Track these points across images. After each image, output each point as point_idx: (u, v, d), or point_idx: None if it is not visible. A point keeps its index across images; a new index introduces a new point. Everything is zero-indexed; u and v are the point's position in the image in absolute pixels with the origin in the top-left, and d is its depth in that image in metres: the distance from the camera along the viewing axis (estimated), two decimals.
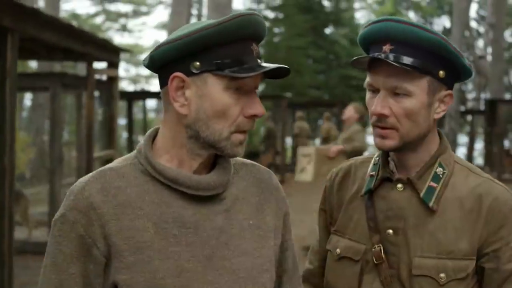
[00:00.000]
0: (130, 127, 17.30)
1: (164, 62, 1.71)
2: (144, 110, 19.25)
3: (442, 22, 36.32)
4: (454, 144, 18.24)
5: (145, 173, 1.74)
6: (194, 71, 1.69)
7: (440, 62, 1.95)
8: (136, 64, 39.81)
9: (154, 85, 42.69)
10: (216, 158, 1.81)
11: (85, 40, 6.42)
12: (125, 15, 37.20)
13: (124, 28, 37.48)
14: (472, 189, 1.97)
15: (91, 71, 6.69)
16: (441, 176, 1.99)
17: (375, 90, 1.95)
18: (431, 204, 1.95)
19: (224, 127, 1.73)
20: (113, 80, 7.58)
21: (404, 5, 34.54)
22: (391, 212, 1.99)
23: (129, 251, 1.67)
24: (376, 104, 1.92)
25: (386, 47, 1.93)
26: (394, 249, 1.97)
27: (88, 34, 6.65)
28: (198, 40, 1.68)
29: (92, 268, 1.68)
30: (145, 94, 18.30)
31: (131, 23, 41.14)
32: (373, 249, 2.00)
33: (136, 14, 37.73)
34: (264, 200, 1.88)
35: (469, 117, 29.76)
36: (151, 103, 25.38)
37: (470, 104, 34.70)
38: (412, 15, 35.52)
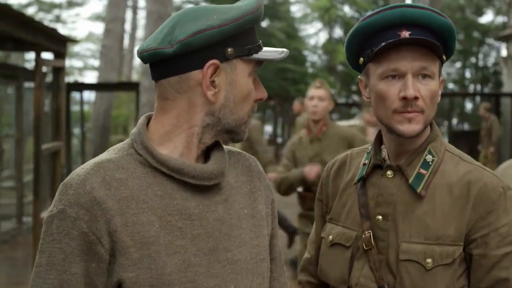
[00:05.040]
0: (67, 119, 17.00)
1: (201, 48, 1.66)
2: (81, 102, 18.92)
3: None
4: None
5: (145, 164, 1.68)
6: (228, 57, 1.68)
7: (444, 47, 2.00)
8: (69, 55, 39.12)
9: (88, 77, 42.07)
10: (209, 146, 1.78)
11: (36, 30, 6.31)
12: (59, 6, 36.53)
13: (57, 19, 36.79)
14: (461, 176, 1.99)
15: (39, 61, 6.56)
16: (430, 163, 2.01)
17: (395, 76, 1.95)
18: (419, 190, 1.98)
19: (246, 112, 1.74)
20: (60, 70, 7.48)
21: None
22: (381, 198, 2.03)
23: (135, 247, 1.60)
24: (408, 87, 1.92)
25: (404, 32, 1.94)
26: (383, 234, 2.00)
27: (38, 23, 6.54)
28: (238, 27, 1.68)
29: (95, 266, 1.60)
30: (82, 86, 17.98)
31: (65, 14, 40.48)
32: (363, 235, 2.03)
33: (70, 5, 37.09)
34: (255, 188, 1.86)
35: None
36: (86, 95, 25.06)
37: None
38: (347, 9, 35.85)
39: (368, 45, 2.00)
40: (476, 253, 1.94)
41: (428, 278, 1.93)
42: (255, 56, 1.73)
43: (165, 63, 1.68)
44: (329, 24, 35.24)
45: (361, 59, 2.04)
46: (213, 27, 1.64)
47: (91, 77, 51.94)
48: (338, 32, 36.15)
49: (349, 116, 36.42)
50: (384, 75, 1.96)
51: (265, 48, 1.77)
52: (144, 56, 1.69)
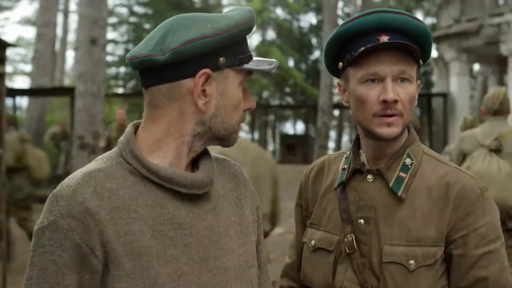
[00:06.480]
0: None
1: (193, 57, 1.64)
2: (14, 108, 18.58)
3: (309, 19, 37.13)
4: (327, 138, 18.48)
5: (134, 173, 1.66)
6: (220, 67, 1.68)
7: (421, 51, 2.03)
8: None
9: (18, 83, 41.21)
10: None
11: None
12: None
13: None
14: (440, 178, 2.02)
15: None
16: (409, 166, 2.03)
17: (375, 80, 1.97)
18: (399, 193, 2.00)
19: (237, 121, 1.74)
20: (0, 77, 7.31)
21: (271, 1, 34.98)
22: (362, 203, 2.05)
23: (128, 257, 1.58)
24: (387, 90, 1.94)
25: (382, 37, 1.96)
26: (365, 238, 2.02)
27: None
28: (231, 37, 1.67)
29: (88, 278, 1.57)
30: (15, 92, 17.64)
31: None
32: (345, 239, 2.04)
33: None
34: (241, 195, 1.86)
35: (336, 112, 30.55)
36: (17, 100, 24.58)
37: (336, 98, 35.65)
38: (279, 12, 36.06)
39: (347, 50, 2.02)
40: (456, 253, 1.97)
41: (411, 279, 1.95)
42: (246, 66, 1.72)
43: (156, 71, 1.66)
44: (262, 26, 35.36)
45: (340, 63, 2.05)
46: (206, 36, 1.63)
47: (21, 82, 50.92)
48: (271, 34, 36.33)
49: (283, 118, 36.68)
50: (364, 79, 1.98)
51: (255, 58, 1.76)
52: (134, 63, 1.67)
